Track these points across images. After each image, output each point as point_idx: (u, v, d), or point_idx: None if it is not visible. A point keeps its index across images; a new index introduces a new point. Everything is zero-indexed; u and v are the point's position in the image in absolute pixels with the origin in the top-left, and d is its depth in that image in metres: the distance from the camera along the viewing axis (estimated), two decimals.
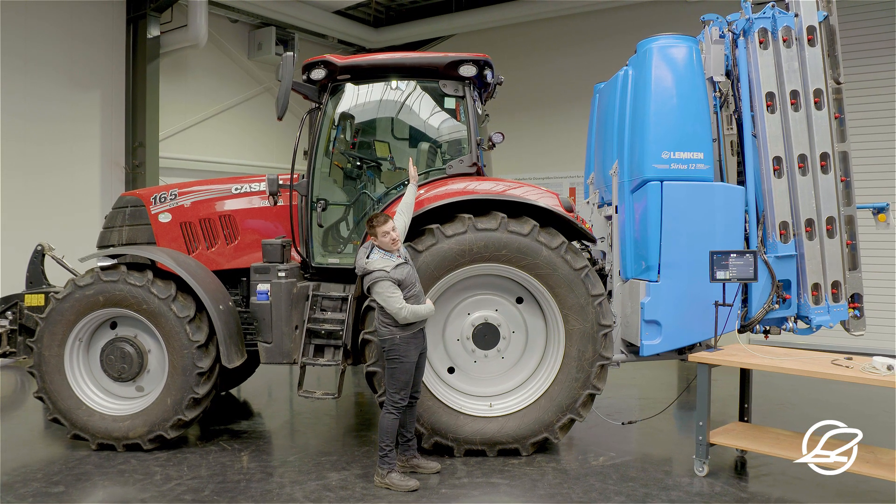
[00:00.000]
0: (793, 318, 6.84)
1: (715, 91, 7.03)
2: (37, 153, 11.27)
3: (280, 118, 6.54)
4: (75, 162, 11.80)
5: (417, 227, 6.35)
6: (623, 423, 7.10)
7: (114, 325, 6.77)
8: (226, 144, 14.11)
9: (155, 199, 7.37)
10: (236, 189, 7.35)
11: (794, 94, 6.77)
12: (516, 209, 6.40)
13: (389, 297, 5.53)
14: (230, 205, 7.32)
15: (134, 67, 12.28)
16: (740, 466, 6.23)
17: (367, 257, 5.68)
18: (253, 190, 7.31)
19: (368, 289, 5.69)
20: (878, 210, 7.06)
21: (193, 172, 12.78)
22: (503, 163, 13.65)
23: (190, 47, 12.66)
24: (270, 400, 9.04)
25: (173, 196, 7.35)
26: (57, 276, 7.90)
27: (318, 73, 6.88)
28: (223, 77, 14.11)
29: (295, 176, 6.96)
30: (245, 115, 14.38)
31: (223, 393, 8.85)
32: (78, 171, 11.82)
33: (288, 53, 6.52)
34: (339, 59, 6.84)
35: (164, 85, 12.59)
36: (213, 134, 13.92)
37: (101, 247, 7.44)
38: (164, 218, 7.31)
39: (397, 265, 5.61)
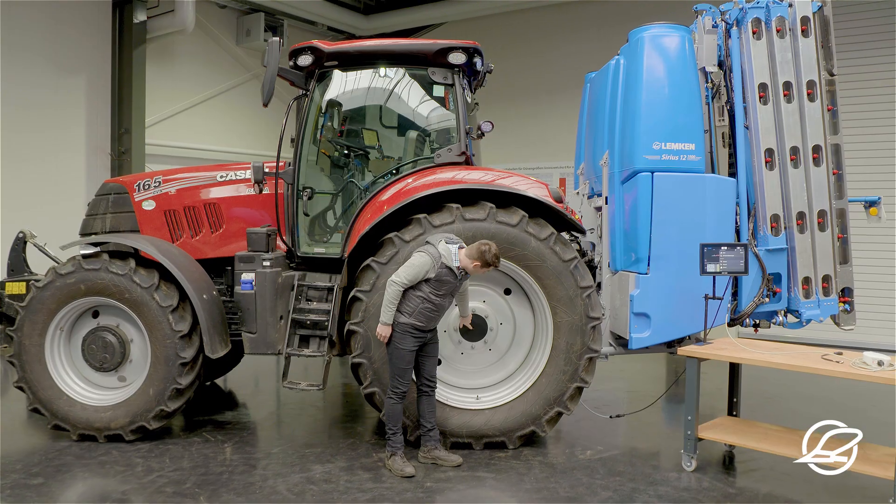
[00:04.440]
0: (783, 312, 6.80)
1: (707, 82, 6.96)
2: (21, 140, 11.10)
3: (266, 104, 6.42)
4: (60, 149, 11.63)
5: (404, 217, 6.26)
6: (611, 417, 7.05)
7: (96, 314, 6.65)
8: (213, 131, 13.95)
9: (139, 186, 7.24)
10: (221, 177, 7.23)
11: (787, 85, 6.70)
12: (505, 199, 6.30)
13: (406, 268, 5.60)
14: (215, 192, 7.21)
15: (120, 53, 12.12)
16: (728, 461, 6.18)
17: (440, 244, 5.65)
18: (238, 178, 7.20)
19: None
20: (870, 203, 7.02)
21: (180, 159, 12.61)
22: (493, 152, 13.53)
23: (177, 33, 12.49)
24: (256, 390, 8.95)
25: (157, 183, 7.23)
26: (39, 264, 7.76)
27: (304, 60, 6.76)
28: (211, 63, 13.93)
29: (281, 164, 6.86)
30: (233, 101, 14.21)
31: (208, 383, 8.75)
32: (63, 158, 11.65)
33: (273, 39, 6.40)
34: (326, 46, 6.72)
35: (150, 71, 12.41)
36: (201, 121, 13.76)
37: (83, 234, 7.31)
38: (148, 205, 7.20)
39: (447, 267, 5.58)
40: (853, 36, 11.00)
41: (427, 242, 5.76)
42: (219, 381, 8.98)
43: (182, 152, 13.10)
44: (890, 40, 11.15)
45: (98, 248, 6.87)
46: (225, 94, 14.08)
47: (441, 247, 5.63)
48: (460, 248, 5.68)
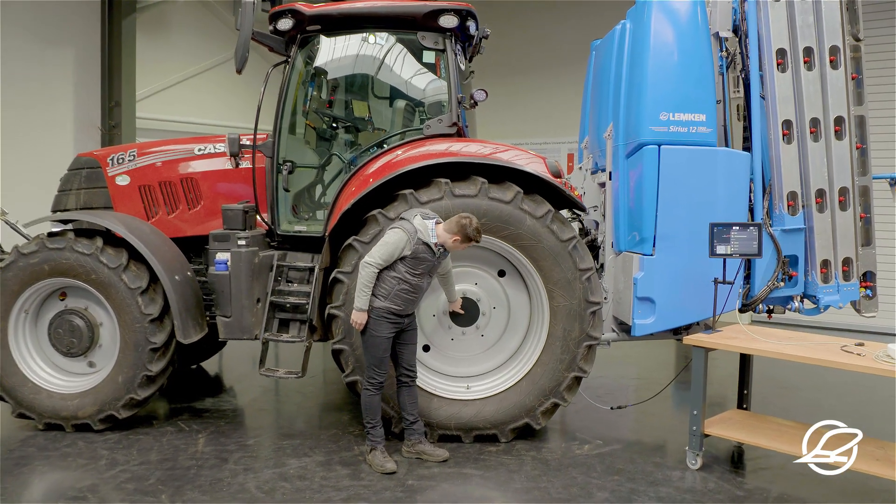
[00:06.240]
0: (799, 297, 6.29)
1: (721, 50, 6.42)
2: (6, 115, 10.61)
3: (239, 71, 6.01)
4: (47, 124, 11.17)
5: (390, 193, 5.80)
6: (612, 408, 6.57)
7: (65, 296, 6.26)
8: (208, 105, 13.44)
9: (112, 160, 6.82)
10: (200, 150, 6.80)
11: (808, 51, 6.16)
12: (499, 174, 5.82)
13: (379, 247, 5.18)
14: (193, 167, 6.79)
15: (109, 23, 11.59)
16: (737, 458, 5.71)
17: (416, 219, 5.24)
18: (218, 151, 6.76)
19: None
20: None
21: (174, 134, 12.03)
22: (498, 127, 13.09)
23: (169, 2, 11.99)
24: (244, 374, 8.49)
25: (132, 157, 6.80)
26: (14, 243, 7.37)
27: (284, 24, 6.29)
28: (206, 34, 13.38)
29: (263, 136, 6.42)
30: (229, 74, 13.49)
31: (193, 366, 8.39)
32: (50, 134, 11.19)
33: (247, 0, 5.92)
34: (307, 8, 6.24)
35: (141, 42, 11.92)
36: (195, 94, 13.26)
37: (55, 211, 6.91)
38: (122, 181, 6.78)
39: (424, 243, 5.15)
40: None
41: (401, 218, 5.33)
42: (213, 362, 8.60)
43: (175, 126, 12.60)
44: (890, 38, 10.47)
45: (68, 226, 6.50)
46: (221, 67, 13.52)
47: (416, 221, 5.19)
48: (437, 223, 5.26)
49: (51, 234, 6.14)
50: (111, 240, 6.12)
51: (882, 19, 10.44)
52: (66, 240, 5.97)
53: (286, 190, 6.37)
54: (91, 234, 6.09)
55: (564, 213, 6.45)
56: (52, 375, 6.23)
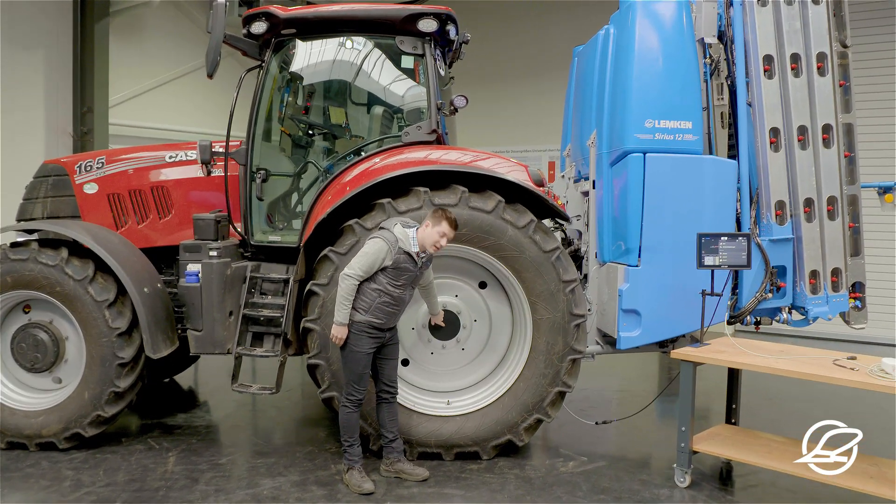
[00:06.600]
0: (787, 309, 6.16)
1: (705, 57, 6.29)
2: None
3: (210, 76, 5.81)
4: (17, 131, 10.77)
5: (367, 202, 5.61)
6: (597, 423, 6.39)
7: (29, 309, 6.01)
8: (184, 111, 13.13)
9: (80, 167, 6.59)
10: (171, 157, 6.60)
11: (795, 57, 6.06)
12: (479, 182, 5.64)
13: (359, 258, 4.96)
14: (164, 175, 6.58)
15: (82, 26, 11.25)
16: (725, 474, 5.56)
17: (396, 227, 5.04)
18: (190, 158, 6.57)
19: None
20: (885, 190, 6.38)
21: (147, 141, 11.76)
22: (479, 134, 12.87)
23: (143, 5, 11.72)
24: (219, 387, 8.21)
25: (100, 164, 6.57)
26: None
27: (258, 27, 6.10)
28: (182, 39, 13.09)
29: (236, 143, 6.22)
30: (205, 79, 13.36)
31: (166, 380, 8.14)
32: (20, 141, 10.82)
33: (218, 2, 5.73)
34: (282, 11, 6.05)
35: (115, 46, 11.59)
36: (171, 100, 12.96)
37: (20, 220, 6.66)
38: (90, 189, 6.55)
39: (405, 252, 4.96)
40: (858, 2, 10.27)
41: (381, 227, 5.13)
42: (187, 375, 8.36)
43: (149, 133, 12.29)
44: (889, 40, 10.44)
45: (32, 236, 6.25)
46: (197, 72, 13.23)
47: (397, 230, 5.00)
48: (418, 230, 5.07)
49: (14, 245, 5.89)
50: (77, 250, 5.88)
51: (881, 25, 10.37)
52: (29, 250, 5.74)
53: (260, 199, 6.16)
54: (56, 245, 5.86)
55: (547, 222, 6.29)
56: (14, 392, 5.99)
